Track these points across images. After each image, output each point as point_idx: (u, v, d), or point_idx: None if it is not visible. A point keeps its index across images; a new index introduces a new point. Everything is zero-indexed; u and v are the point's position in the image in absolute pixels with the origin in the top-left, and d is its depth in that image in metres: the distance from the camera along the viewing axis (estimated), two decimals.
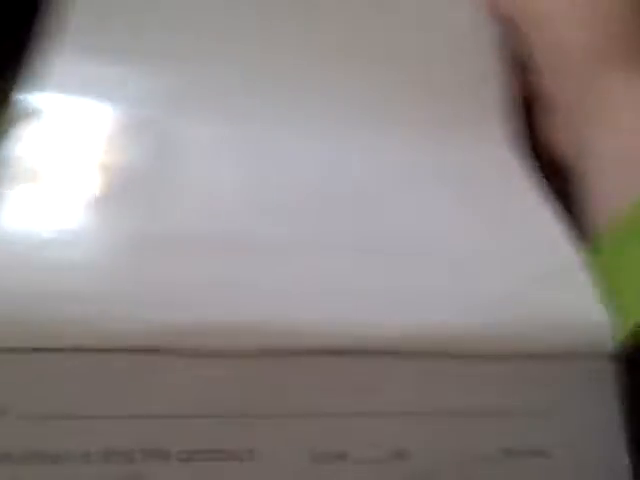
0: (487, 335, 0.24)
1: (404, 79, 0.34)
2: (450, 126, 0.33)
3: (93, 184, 0.27)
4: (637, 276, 0.25)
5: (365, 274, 0.25)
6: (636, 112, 0.30)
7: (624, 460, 0.23)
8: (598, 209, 0.29)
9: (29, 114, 0.30)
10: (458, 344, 0.23)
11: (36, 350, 0.22)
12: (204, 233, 0.26)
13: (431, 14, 0.36)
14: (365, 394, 0.23)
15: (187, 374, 0.22)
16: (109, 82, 0.32)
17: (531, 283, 0.25)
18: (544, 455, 0.23)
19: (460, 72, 0.35)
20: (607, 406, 0.23)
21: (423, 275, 0.25)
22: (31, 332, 0.22)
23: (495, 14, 0.36)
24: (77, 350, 0.22)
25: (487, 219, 0.29)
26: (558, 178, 0.32)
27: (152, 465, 0.21)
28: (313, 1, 0.34)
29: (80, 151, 0.29)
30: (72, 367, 0.22)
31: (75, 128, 0.30)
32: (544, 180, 0.31)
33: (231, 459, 0.21)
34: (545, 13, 0.34)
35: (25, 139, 0.29)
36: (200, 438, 0.21)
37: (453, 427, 0.23)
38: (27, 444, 0.21)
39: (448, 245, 0.27)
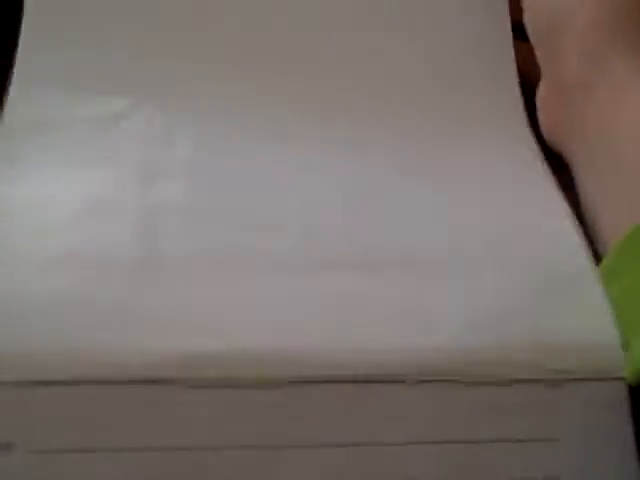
0: (495, 360, 0.23)
1: (413, 68, 0.33)
2: (465, 123, 0.32)
3: (75, 198, 0.27)
4: None
5: (366, 296, 0.25)
6: None
7: None
8: (599, 214, 0.28)
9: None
10: (466, 370, 0.23)
11: (39, 383, 0.22)
12: (198, 254, 0.26)
13: None
14: (374, 423, 0.23)
15: (200, 405, 0.22)
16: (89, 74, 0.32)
17: (541, 304, 0.25)
18: None
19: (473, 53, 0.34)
20: (619, 430, 0.23)
21: (425, 295, 0.25)
22: (33, 365, 0.22)
23: None
24: (83, 382, 0.22)
25: (500, 230, 0.28)
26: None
27: None
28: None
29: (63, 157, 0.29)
30: (80, 399, 0.22)
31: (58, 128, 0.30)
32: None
33: None
34: None
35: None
36: (216, 471, 0.21)
37: (463, 455, 0.23)
38: (38, 479, 0.21)
39: (454, 259, 0.26)
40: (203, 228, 0.27)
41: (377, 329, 0.24)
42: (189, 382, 0.22)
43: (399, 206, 0.29)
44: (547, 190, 0.30)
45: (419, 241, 0.27)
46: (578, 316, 0.24)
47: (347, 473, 0.22)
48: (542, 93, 0.32)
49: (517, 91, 0.33)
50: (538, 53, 0.32)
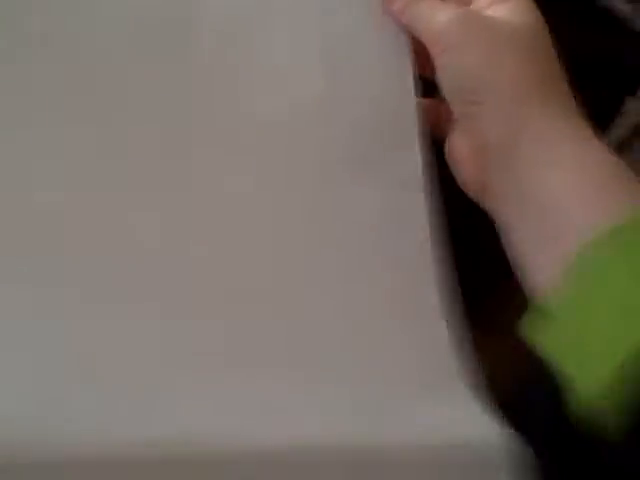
0: (375, 445, 0.25)
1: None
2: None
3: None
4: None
5: (251, 384, 0.26)
6: (581, 155, 0.29)
7: None
8: (532, 268, 0.29)
9: None
10: (348, 454, 0.24)
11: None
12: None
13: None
14: None
15: None
16: None
17: (415, 391, 0.27)
18: None
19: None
20: None
21: (310, 384, 0.27)
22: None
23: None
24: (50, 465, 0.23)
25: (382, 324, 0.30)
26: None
27: None
28: None
29: None
30: None
31: None
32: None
33: None
34: (449, 36, 0.31)
35: None
36: None
37: None
38: None
39: (335, 350, 0.28)
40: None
41: (261, 416, 0.25)
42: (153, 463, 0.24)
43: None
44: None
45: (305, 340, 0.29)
46: (454, 406, 0.26)
47: None
48: (462, 152, 0.32)
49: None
50: (455, 111, 0.32)
